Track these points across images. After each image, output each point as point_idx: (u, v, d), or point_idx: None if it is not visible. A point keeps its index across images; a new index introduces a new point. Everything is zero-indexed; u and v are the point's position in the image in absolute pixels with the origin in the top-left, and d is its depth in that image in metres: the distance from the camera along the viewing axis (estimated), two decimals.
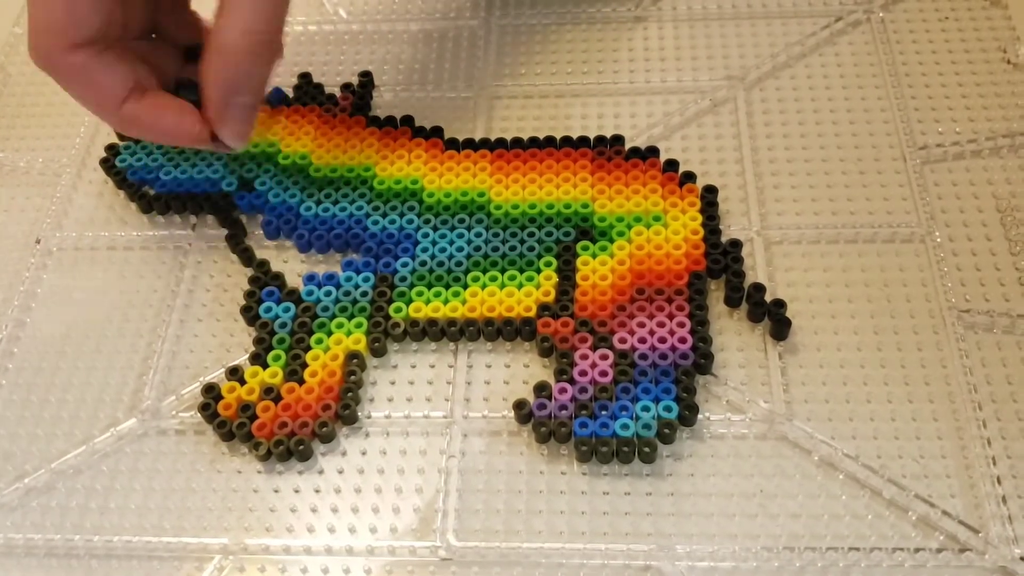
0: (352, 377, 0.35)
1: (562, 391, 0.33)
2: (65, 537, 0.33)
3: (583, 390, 0.33)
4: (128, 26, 0.35)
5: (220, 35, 0.33)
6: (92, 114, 0.36)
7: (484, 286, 0.36)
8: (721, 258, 0.36)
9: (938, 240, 0.37)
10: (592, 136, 0.40)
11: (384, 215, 0.38)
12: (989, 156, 0.40)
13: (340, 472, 0.33)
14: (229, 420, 0.34)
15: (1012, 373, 0.34)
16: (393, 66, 0.45)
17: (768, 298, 0.36)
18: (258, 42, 0.33)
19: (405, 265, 0.37)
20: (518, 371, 0.35)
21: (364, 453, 0.34)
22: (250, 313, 0.36)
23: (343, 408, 0.34)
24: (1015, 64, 0.42)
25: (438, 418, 0.34)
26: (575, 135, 0.40)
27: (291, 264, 0.39)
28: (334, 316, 0.36)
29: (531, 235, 0.37)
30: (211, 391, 0.34)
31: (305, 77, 0.44)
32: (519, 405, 0.33)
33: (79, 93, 0.35)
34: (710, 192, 0.38)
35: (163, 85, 0.36)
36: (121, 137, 0.42)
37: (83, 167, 0.43)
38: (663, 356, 0.34)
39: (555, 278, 0.36)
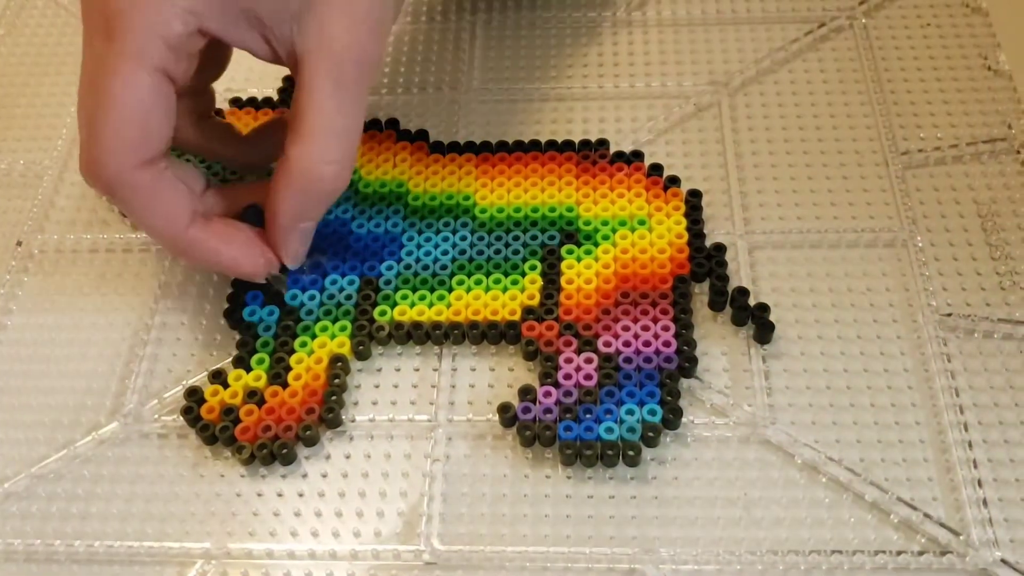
0: (336, 380, 0.35)
1: (547, 394, 0.33)
2: (46, 542, 0.32)
3: (568, 393, 0.33)
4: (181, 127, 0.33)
5: (297, 163, 0.32)
6: (152, 236, 0.33)
7: (469, 289, 0.36)
8: (705, 262, 0.37)
9: (920, 245, 0.38)
10: (577, 140, 0.40)
11: (369, 218, 0.38)
12: (970, 162, 0.40)
13: (324, 476, 0.33)
14: (212, 424, 0.34)
15: (993, 377, 0.34)
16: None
17: (752, 302, 0.36)
18: (337, 173, 0.32)
19: (390, 268, 0.37)
20: (503, 374, 0.35)
21: (348, 457, 0.34)
22: (233, 316, 0.36)
23: (327, 412, 0.34)
24: (996, 71, 0.43)
25: (422, 422, 0.34)
26: (560, 139, 0.40)
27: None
28: (318, 319, 0.36)
29: (516, 238, 0.37)
30: (194, 394, 0.34)
31: (289, 79, 0.43)
32: (504, 408, 0.33)
33: (146, 213, 0.32)
34: (694, 196, 0.39)
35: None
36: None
37: (65, 169, 0.42)
38: (647, 359, 0.34)
39: (540, 281, 0.36)
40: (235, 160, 0.38)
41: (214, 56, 0.35)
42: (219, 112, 0.42)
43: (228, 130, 0.38)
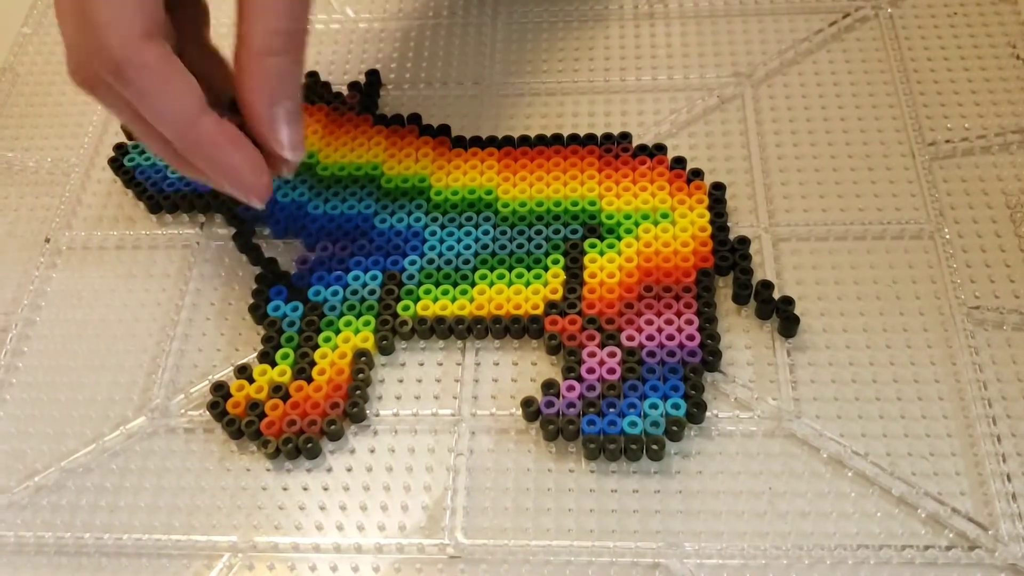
0: (360, 375, 0.35)
1: (570, 389, 0.33)
2: (75, 535, 0.33)
3: (591, 388, 0.33)
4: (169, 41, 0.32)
5: (248, 42, 0.31)
6: (163, 127, 0.31)
7: (492, 284, 0.36)
8: (729, 255, 0.36)
9: (947, 237, 0.37)
10: (599, 133, 0.40)
11: (392, 213, 0.38)
12: (999, 152, 0.40)
13: (349, 470, 0.33)
14: (238, 418, 0.34)
15: (1021, 370, 0.34)
16: (400, 64, 0.45)
17: (776, 295, 0.35)
18: (288, 40, 0.32)
19: (413, 263, 0.37)
20: (526, 369, 0.35)
21: (373, 451, 0.34)
22: (258, 311, 0.37)
23: (351, 406, 0.34)
24: None
25: (446, 416, 0.34)
26: (582, 132, 0.40)
27: None
28: (342, 314, 0.36)
29: (538, 233, 0.37)
30: (220, 389, 0.35)
31: (312, 76, 0.44)
32: (527, 403, 0.33)
33: (159, 94, 0.30)
34: (718, 189, 0.38)
35: None
36: (129, 135, 0.42)
37: (92, 166, 0.43)
38: (671, 353, 0.34)
39: (563, 276, 0.36)
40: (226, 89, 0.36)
41: None
42: None
43: (217, 55, 0.36)
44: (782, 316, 0.35)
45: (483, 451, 0.34)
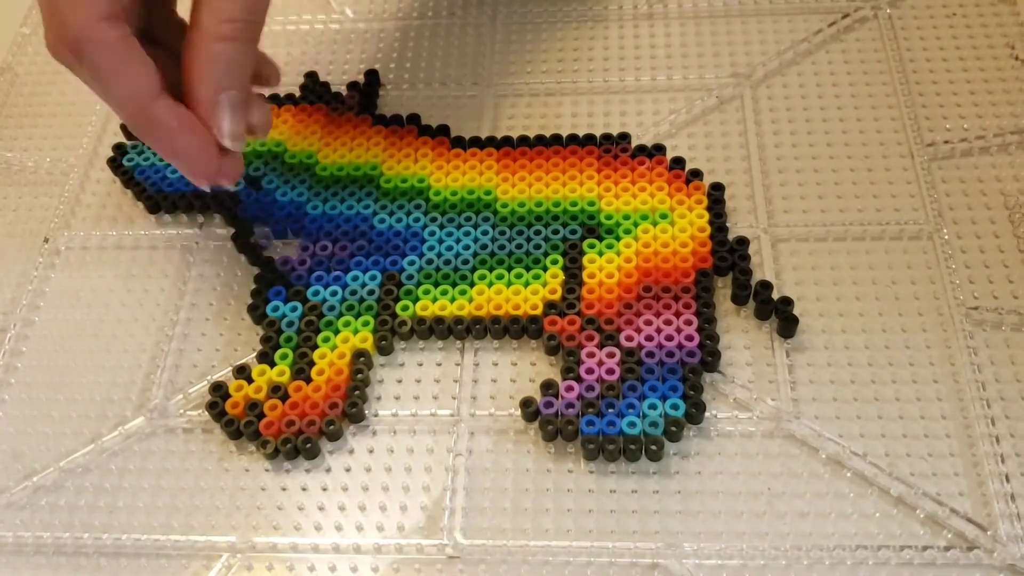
0: (359, 376, 0.35)
1: (569, 389, 0.33)
2: (74, 535, 0.33)
3: (590, 388, 0.33)
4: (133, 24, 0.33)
5: (201, 27, 0.31)
6: (118, 107, 0.32)
7: (491, 284, 0.36)
8: (728, 256, 0.36)
9: (946, 237, 0.37)
10: (598, 134, 0.40)
11: (391, 213, 0.38)
12: (997, 153, 0.40)
13: (347, 470, 0.33)
14: (237, 418, 0.34)
15: (1020, 370, 0.34)
16: (399, 64, 0.45)
17: (775, 296, 0.35)
18: (240, 29, 0.32)
19: (412, 263, 0.37)
20: (525, 369, 0.35)
21: (371, 451, 0.34)
22: (257, 312, 0.37)
23: (350, 406, 0.34)
24: (1023, 60, 0.42)
25: (445, 416, 0.34)
26: (581, 133, 0.40)
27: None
28: (341, 315, 0.36)
29: (537, 233, 0.37)
30: (219, 390, 0.35)
31: (311, 76, 0.44)
32: (526, 403, 0.33)
33: (111, 77, 0.31)
34: (717, 190, 0.38)
35: None
36: (129, 135, 0.42)
37: (91, 167, 0.43)
38: (670, 354, 0.34)
39: (562, 276, 0.36)
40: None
41: None
42: None
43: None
44: (781, 316, 0.35)
45: (482, 451, 0.34)
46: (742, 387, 0.34)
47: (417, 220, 0.38)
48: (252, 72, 0.33)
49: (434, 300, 0.36)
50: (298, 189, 0.39)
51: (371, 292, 0.36)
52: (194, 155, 0.32)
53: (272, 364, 0.35)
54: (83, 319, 0.38)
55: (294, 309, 0.36)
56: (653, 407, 0.33)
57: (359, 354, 0.35)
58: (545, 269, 0.36)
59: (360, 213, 0.39)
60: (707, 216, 0.37)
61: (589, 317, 0.35)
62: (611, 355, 0.34)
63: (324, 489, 0.33)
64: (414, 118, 0.42)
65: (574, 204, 0.38)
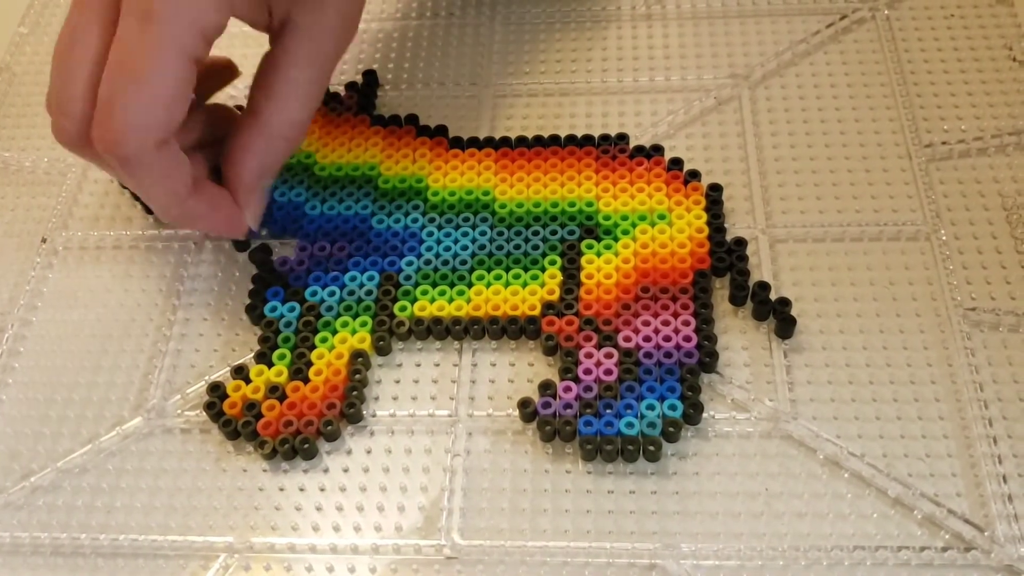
0: (357, 376, 0.35)
1: (567, 390, 0.33)
2: (71, 536, 0.33)
3: (588, 388, 0.33)
4: None
5: (267, 123, 0.34)
6: (158, 206, 0.34)
7: (489, 285, 0.36)
8: (726, 256, 0.36)
9: (943, 238, 0.37)
10: (596, 134, 0.40)
11: (389, 214, 0.38)
12: (995, 154, 0.40)
13: (345, 471, 0.33)
14: (234, 419, 0.34)
15: (1018, 371, 0.34)
16: (397, 64, 0.45)
17: (773, 296, 0.35)
18: (301, 133, 0.35)
19: (410, 264, 0.37)
20: (523, 370, 0.35)
21: (369, 452, 0.34)
22: (255, 312, 0.37)
23: (348, 407, 0.34)
24: (1021, 62, 0.42)
25: (443, 417, 0.34)
26: (579, 133, 0.40)
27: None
28: (339, 315, 0.36)
29: (536, 234, 0.37)
30: (216, 390, 0.35)
31: None
32: (524, 404, 0.33)
33: (155, 188, 0.33)
34: (715, 190, 0.38)
35: None
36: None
37: (88, 166, 0.43)
38: (668, 354, 0.34)
39: (560, 277, 0.36)
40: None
41: None
42: (240, 107, 0.42)
43: (220, 111, 0.39)
44: (779, 317, 0.35)
45: (480, 452, 0.34)
46: (740, 388, 0.34)
47: (415, 220, 0.38)
48: None
49: (432, 300, 0.36)
50: (296, 189, 0.39)
51: (369, 292, 0.36)
52: (227, 228, 0.36)
53: (270, 364, 0.35)
54: (81, 319, 0.38)
55: (292, 309, 0.36)
56: (651, 408, 0.33)
57: (357, 354, 0.35)
58: (543, 270, 0.36)
59: (358, 213, 0.39)
60: (705, 217, 0.37)
61: (587, 318, 0.35)
62: (609, 356, 0.34)
63: (322, 489, 0.33)
64: (412, 118, 0.42)
65: (572, 205, 0.38)
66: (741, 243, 0.37)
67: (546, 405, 0.33)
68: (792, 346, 0.35)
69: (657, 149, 0.40)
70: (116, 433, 0.35)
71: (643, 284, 0.36)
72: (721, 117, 0.42)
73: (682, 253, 0.36)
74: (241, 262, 0.39)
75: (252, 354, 0.36)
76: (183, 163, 0.33)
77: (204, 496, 0.33)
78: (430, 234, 0.38)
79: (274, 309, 0.36)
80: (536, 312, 0.35)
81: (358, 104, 0.42)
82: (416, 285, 0.36)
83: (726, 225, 0.38)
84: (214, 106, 0.38)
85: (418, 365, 0.36)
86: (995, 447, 0.32)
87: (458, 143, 0.41)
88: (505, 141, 0.40)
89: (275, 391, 0.34)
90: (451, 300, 0.36)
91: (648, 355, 0.34)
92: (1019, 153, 0.40)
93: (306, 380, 0.35)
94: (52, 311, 0.38)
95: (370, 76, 0.44)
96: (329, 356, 0.35)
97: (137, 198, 0.41)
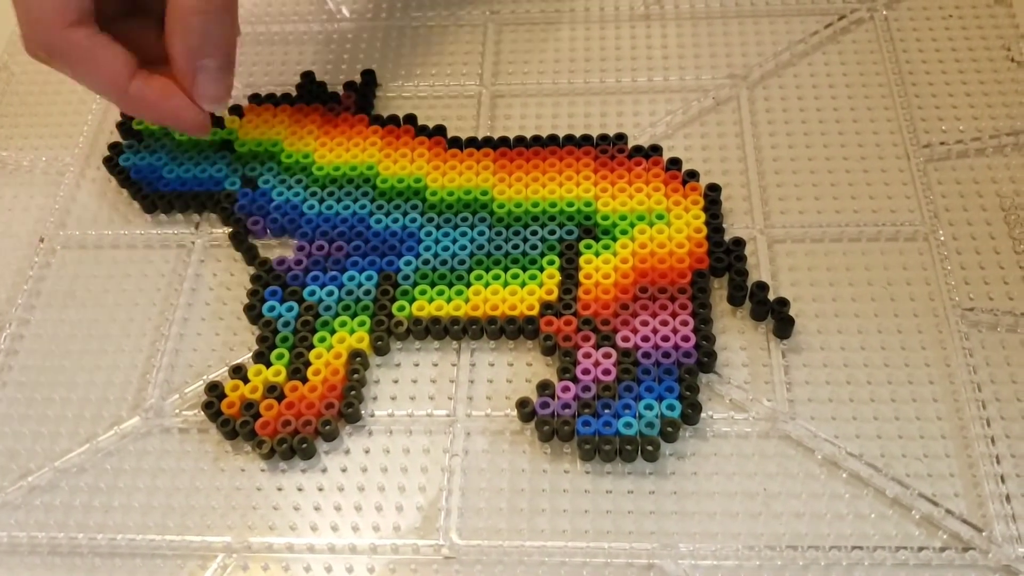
0: (355, 375, 0.35)
1: (565, 390, 0.33)
2: (69, 535, 0.33)
3: (586, 388, 0.33)
4: (111, 3, 0.36)
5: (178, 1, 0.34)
6: (101, 95, 0.36)
7: (487, 285, 0.36)
8: (724, 256, 0.36)
9: (942, 238, 0.37)
10: (595, 134, 0.40)
11: (387, 214, 0.38)
12: (993, 154, 0.40)
13: (343, 470, 0.33)
14: (233, 418, 0.34)
15: (1016, 371, 0.34)
16: (396, 64, 0.45)
17: (771, 296, 0.35)
18: (213, 1, 0.35)
19: (408, 264, 0.37)
20: (521, 370, 0.35)
21: (367, 451, 0.34)
22: (253, 312, 0.37)
23: (346, 407, 0.34)
24: (1019, 62, 0.42)
25: (441, 417, 0.34)
26: (578, 133, 0.40)
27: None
28: (337, 315, 0.36)
29: (534, 234, 0.37)
30: (215, 389, 0.35)
31: (308, 76, 0.44)
32: (522, 404, 0.33)
33: (86, 73, 0.35)
34: (713, 190, 0.38)
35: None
36: (125, 118, 0.42)
37: (87, 166, 0.43)
38: (666, 355, 0.34)
39: (558, 277, 0.36)
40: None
41: None
42: (237, 108, 0.42)
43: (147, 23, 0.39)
44: (777, 317, 0.35)
45: (478, 452, 0.34)
46: (738, 388, 0.34)
47: (413, 220, 0.38)
48: (232, 39, 0.36)
49: (430, 300, 0.36)
50: (295, 189, 0.39)
51: (367, 292, 0.36)
52: (180, 115, 0.36)
53: (268, 364, 0.35)
54: (79, 318, 0.38)
55: (290, 309, 0.36)
56: (649, 408, 0.33)
57: (355, 354, 0.35)
58: (542, 270, 0.36)
59: (356, 213, 0.39)
60: (703, 217, 0.37)
61: (585, 318, 0.35)
62: (607, 356, 0.34)
63: (320, 489, 0.33)
64: (411, 118, 0.42)
65: (571, 205, 0.38)
66: (739, 243, 0.37)
67: (544, 405, 0.33)
68: (790, 346, 0.35)
69: (656, 149, 0.40)
70: (114, 433, 0.35)
71: (641, 284, 0.36)
72: (720, 117, 0.42)
73: (680, 253, 0.36)
74: (239, 262, 0.39)
75: (250, 354, 0.36)
76: (115, 49, 0.35)
77: (202, 496, 0.33)
78: (428, 234, 0.38)
79: (272, 309, 0.36)
80: (534, 312, 0.35)
81: (356, 104, 0.42)
82: (414, 285, 0.36)
83: (724, 225, 0.38)
84: None
85: (416, 365, 0.36)
86: (993, 447, 0.32)
87: (456, 143, 0.41)
88: (503, 141, 0.40)
89: (273, 391, 0.34)
90: (449, 300, 0.36)
91: (646, 355, 0.34)
92: (1017, 154, 0.40)
93: (304, 380, 0.34)
94: (50, 310, 0.38)
95: (368, 76, 0.44)
96: (327, 356, 0.35)
97: (135, 196, 0.41)
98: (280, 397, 0.34)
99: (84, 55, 0.35)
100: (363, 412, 0.35)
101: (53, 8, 0.34)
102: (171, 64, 0.35)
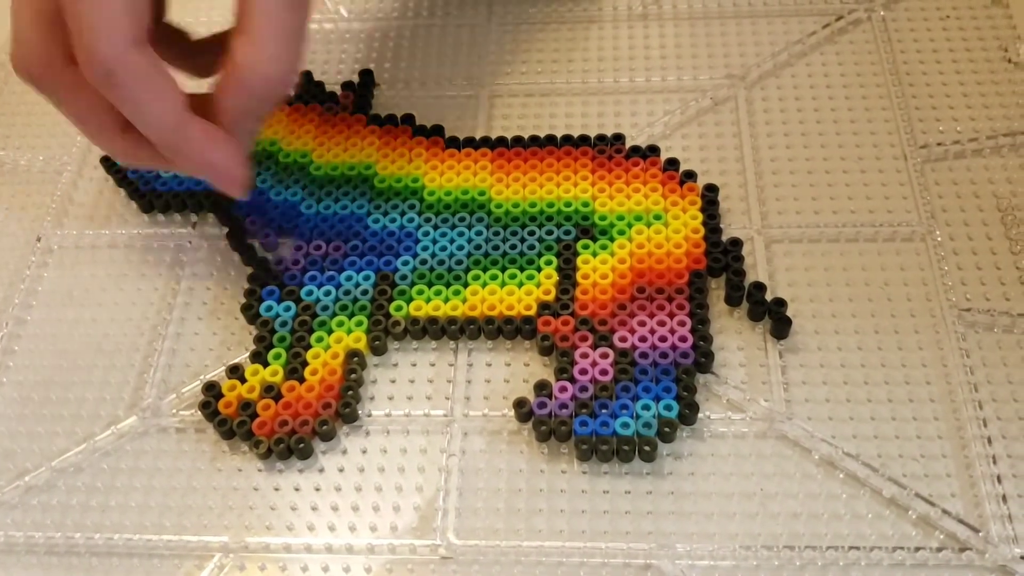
0: (353, 375, 0.35)
1: (562, 390, 0.33)
2: (66, 535, 0.33)
3: (583, 389, 0.33)
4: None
5: (243, 62, 0.31)
6: (155, 124, 0.31)
7: (484, 285, 0.36)
8: (722, 257, 0.36)
9: (939, 239, 0.37)
10: (592, 135, 0.40)
11: (385, 213, 0.38)
12: (990, 155, 0.40)
13: (340, 470, 0.33)
14: (230, 418, 0.34)
15: (1012, 372, 0.34)
16: (394, 64, 0.45)
17: (768, 297, 0.36)
18: (283, 71, 0.32)
19: (406, 263, 0.37)
20: (518, 370, 0.35)
21: (365, 451, 0.34)
22: (251, 311, 0.37)
23: (344, 406, 0.34)
24: (1016, 63, 0.42)
25: (438, 416, 0.34)
26: (576, 134, 0.40)
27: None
28: (335, 314, 0.36)
29: (531, 234, 0.37)
30: (212, 389, 0.35)
31: (306, 75, 0.44)
32: (519, 404, 0.33)
33: (147, 95, 0.30)
34: (711, 191, 0.38)
35: None
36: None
37: (84, 165, 0.43)
38: (663, 355, 0.34)
39: (555, 277, 0.36)
40: (181, 65, 0.36)
41: None
42: None
43: (180, 33, 0.36)
44: (774, 318, 0.35)
45: (475, 452, 0.34)
46: (735, 388, 0.34)
47: (411, 220, 0.38)
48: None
49: (428, 300, 0.36)
50: (292, 189, 0.39)
51: (365, 292, 0.36)
52: (230, 167, 0.32)
53: (265, 364, 0.35)
54: (76, 318, 0.38)
55: (288, 309, 0.36)
56: (646, 408, 0.33)
57: (353, 354, 0.35)
58: (539, 270, 0.36)
59: (354, 213, 0.39)
60: (701, 217, 0.37)
61: (583, 318, 0.35)
62: (605, 356, 0.34)
63: (317, 489, 0.33)
64: (408, 118, 0.42)
65: (568, 205, 0.38)
66: (737, 243, 0.37)
67: (542, 405, 0.33)
68: (787, 346, 0.35)
69: (653, 150, 0.40)
70: (111, 432, 0.35)
71: (639, 284, 0.36)
72: (717, 118, 0.42)
73: (678, 253, 0.36)
74: (236, 261, 0.39)
75: (248, 353, 0.36)
76: (171, 78, 0.31)
77: (199, 496, 0.33)
78: (426, 234, 0.38)
79: (270, 308, 0.36)
80: (532, 312, 0.35)
81: (354, 104, 0.42)
82: (412, 285, 0.36)
83: (722, 225, 0.38)
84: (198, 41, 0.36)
85: (414, 365, 0.36)
86: (989, 448, 0.32)
87: (454, 143, 0.41)
88: (501, 141, 0.40)
89: (270, 391, 0.34)
90: (447, 300, 0.36)
91: (644, 355, 0.34)
92: (1014, 154, 0.40)
93: (302, 380, 0.34)
94: (47, 310, 0.38)
95: (367, 75, 0.44)
96: (325, 356, 0.35)
97: (132, 195, 0.41)
98: (277, 397, 0.34)
99: (144, 82, 0.30)
100: (360, 412, 0.35)
101: (118, 21, 0.29)
102: (225, 113, 0.32)
